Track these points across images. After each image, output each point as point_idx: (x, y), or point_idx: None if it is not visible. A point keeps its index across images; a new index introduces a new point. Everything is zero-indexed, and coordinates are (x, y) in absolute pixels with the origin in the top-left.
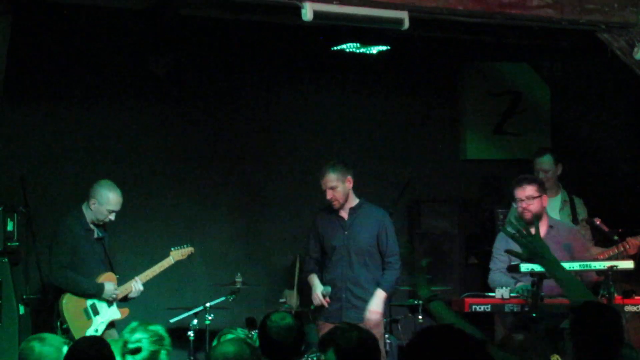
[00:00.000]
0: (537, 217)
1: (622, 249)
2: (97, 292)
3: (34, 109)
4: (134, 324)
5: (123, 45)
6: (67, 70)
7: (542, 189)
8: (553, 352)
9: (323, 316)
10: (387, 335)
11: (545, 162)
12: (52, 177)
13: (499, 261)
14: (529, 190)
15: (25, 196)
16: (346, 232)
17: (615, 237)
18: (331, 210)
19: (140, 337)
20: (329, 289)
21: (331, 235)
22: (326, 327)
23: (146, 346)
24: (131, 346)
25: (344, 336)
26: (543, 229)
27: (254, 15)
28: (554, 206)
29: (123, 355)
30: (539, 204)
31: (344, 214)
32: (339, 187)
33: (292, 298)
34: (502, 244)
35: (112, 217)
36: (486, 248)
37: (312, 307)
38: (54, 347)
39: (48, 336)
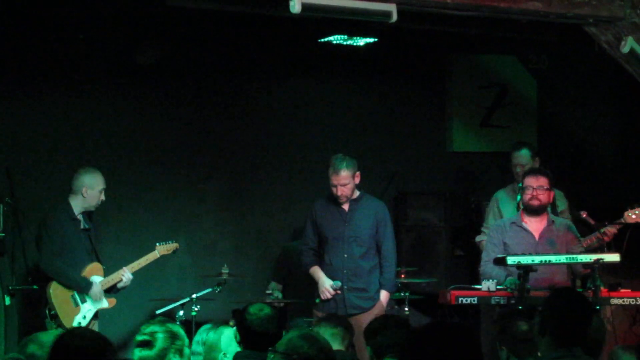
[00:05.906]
0: (542, 209)
1: (599, 237)
2: (83, 289)
3: (19, 100)
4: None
5: (109, 36)
6: (53, 61)
7: (553, 184)
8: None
9: (323, 308)
10: None
11: (523, 156)
12: (38, 169)
13: (492, 252)
14: (542, 181)
15: (12, 187)
16: (346, 224)
17: (602, 230)
18: (331, 200)
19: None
20: (339, 283)
21: (331, 226)
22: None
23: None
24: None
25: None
26: (543, 223)
27: (241, 7)
28: None
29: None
30: (548, 196)
31: (345, 205)
32: (350, 184)
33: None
34: (498, 234)
35: (102, 197)
36: (472, 240)
37: (317, 301)
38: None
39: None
